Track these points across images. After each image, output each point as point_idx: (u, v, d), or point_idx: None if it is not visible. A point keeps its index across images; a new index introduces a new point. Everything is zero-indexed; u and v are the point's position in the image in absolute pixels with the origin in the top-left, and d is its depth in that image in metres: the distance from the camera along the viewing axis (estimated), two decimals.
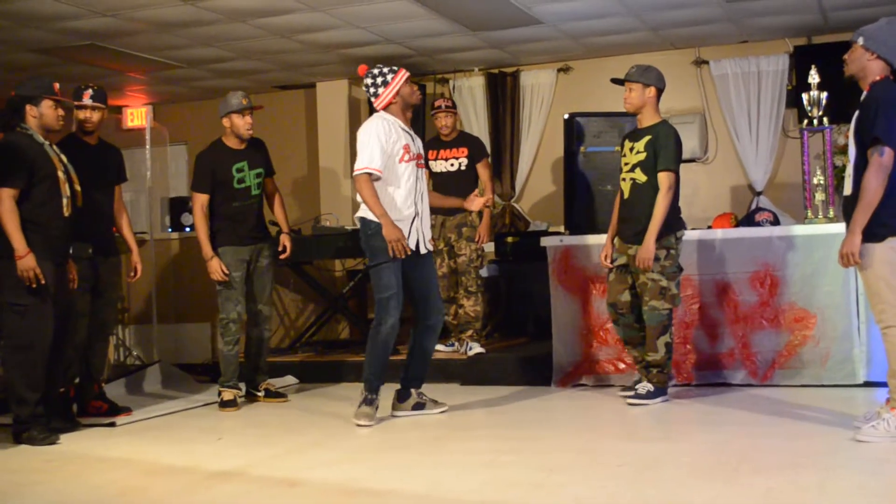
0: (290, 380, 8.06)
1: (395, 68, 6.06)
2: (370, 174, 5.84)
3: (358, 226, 6.05)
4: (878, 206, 4.77)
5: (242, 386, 7.13)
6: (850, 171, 5.00)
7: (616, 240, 6.37)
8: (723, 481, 4.23)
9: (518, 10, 8.02)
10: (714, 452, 4.90)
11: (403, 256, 5.86)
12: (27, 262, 5.66)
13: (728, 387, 6.63)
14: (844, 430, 4.98)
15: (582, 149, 7.47)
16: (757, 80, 9.24)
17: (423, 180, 6.15)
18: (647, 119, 6.22)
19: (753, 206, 8.93)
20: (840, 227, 5.32)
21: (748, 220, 7.25)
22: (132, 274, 6.79)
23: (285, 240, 7.16)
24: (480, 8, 7.91)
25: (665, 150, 6.07)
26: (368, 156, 5.86)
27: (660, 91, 6.23)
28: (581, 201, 7.42)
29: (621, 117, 7.51)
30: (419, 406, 6.24)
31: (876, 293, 4.88)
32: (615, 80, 6.34)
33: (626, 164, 6.25)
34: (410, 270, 6.05)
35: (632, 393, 6.31)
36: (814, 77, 6.89)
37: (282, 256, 7.18)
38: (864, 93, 4.97)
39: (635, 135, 6.28)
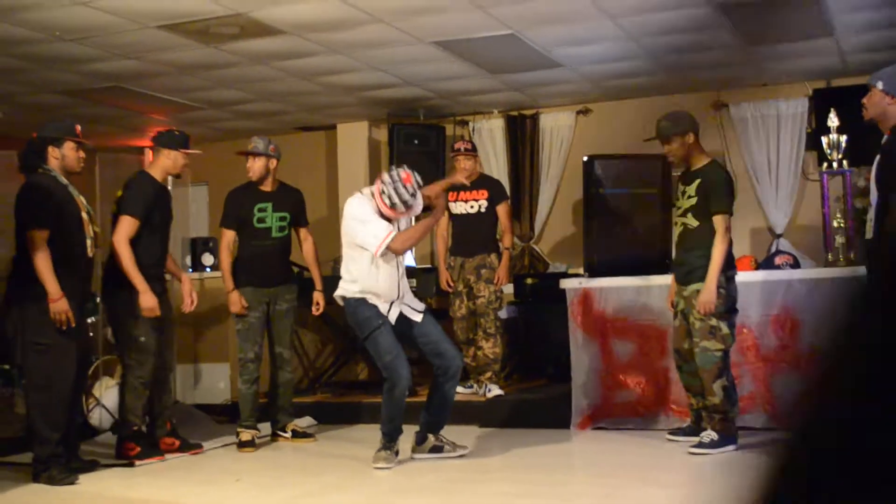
0: (308, 421, 8.05)
1: (404, 208, 5.84)
2: (388, 246, 5.84)
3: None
4: None
5: (262, 426, 7.15)
6: (871, 214, 4.99)
7: (673, 283, 6.31)
8: None
9: (538, 54, 8.06)
10: (735, 498, 4.86)
11: None
12: (60, 305, 5.71)
13: (749, 430, 6.57)
14: None
15: (601, 191, 7.47)
16: (776, 123, 9.25)
17: (403, 265, 6.13)
18: (696, 162, 6.13)
19: (773, 249, 8.90)
20: (861, 271, 5.30)
21: (768, 262, 7.23)
22: (189, 301, 6.88)
23: (318, 297, 7.28)
24: (500, 51, 7.96)
25: (716, 193, 5.96)
26: (378, 229, 5.84)
27: (697, 133, 6.14)
28: (600, 244, 7.41)
29: (640, 160, 7.53)
30: (436, 449, 6.22)
31: None
32: (651, 140, 6.28)
33: (679, 207, 6.17)
34: (410, 333, 6.08)
35: (677, 430, 6.24)
36: (833, 120, 6.90)
37: (315, 313, 7.33)
38: (885, 136, 4.97)
39: (686, 177, 6.20)
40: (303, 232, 7.31)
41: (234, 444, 6.98)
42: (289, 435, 7.19)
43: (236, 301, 6.96)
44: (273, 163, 7.13)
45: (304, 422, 7.89)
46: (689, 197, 6.07)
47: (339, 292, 6.05)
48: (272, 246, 7.07)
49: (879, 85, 5.02)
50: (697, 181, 6.05)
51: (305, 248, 7.35)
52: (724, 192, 5.98)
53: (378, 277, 5.92)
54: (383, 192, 5.83)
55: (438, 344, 6.08)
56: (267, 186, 7.11)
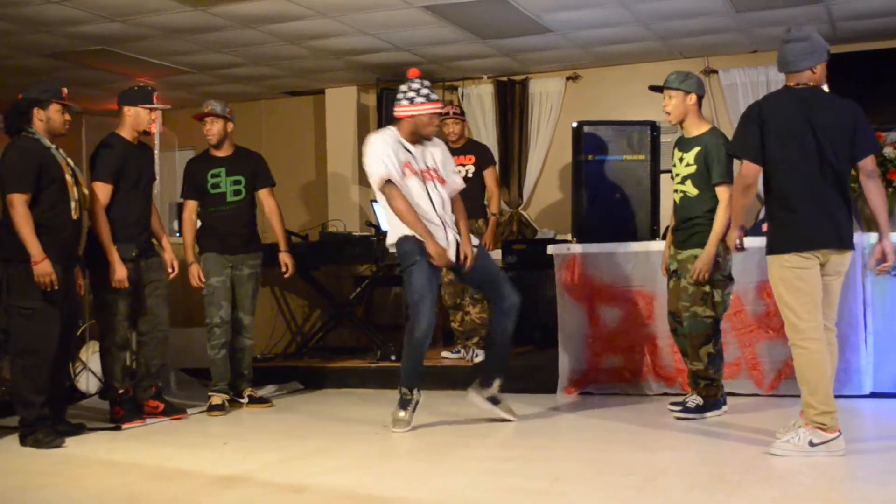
0: (295, 385, 8.07)
1: (434, 97, 5.92)
2: (391, 182, 5.80)
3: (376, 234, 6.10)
4: (770, 223, 4.86)
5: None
6: None
7: (667, 248, 6.24)
8: (728, 492, 4.22)
9: (528, 19, 8.03)
10: (720, 462, 4.90)
11: (445, 264, 5.93)
12: (44, 267, 5.69)
13: (734, 396, 6.60)
14: (849, 443, 4.94)
15: (590, 157, 7.46)
16: (766, 89, 9.20)
17: (441, 191, 6.03)
18: (694, 128, 5.98)
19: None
20: (857, 238, 5.31)
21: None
22: (170, 271, 6.85)
23: (285, 258, 7.23)
24: (490, 16, 7.92)
25: (718, 162, 5.83)
26: (382, 166, 5.81)
27: (700, 98, 5.98)
28: (589, 210, 7.40)
29: (629, 126, 7.50)
30: (494, 400, 6.15)
31: (780, 308, 4.90)
32: (654, 88, 6.09)
33: (677, 174, 6.04)
34: (462, 270, 6.04)
35: (679, 406, 6.18)
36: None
37: (286, 275, 7.27)
38: None
39: (684, 144, 6.04)
40: (263, 193, 7.19)
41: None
42: (245, 400, 7.20)
43: (194, 275, 7.00)
44: (230, 126, 7.11)
45: (291, 386, 7.91)
46: (688, 165, 5.94)
47: (389, 241, 5.99)
48: (228, 211, 7.04)
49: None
50: (697, 149, 5.91)
51: (267, 208, 7.25)
52: (726, 161, 5.84)
53: (419, 207, 5.88)
54: (396, 101, 5.85)
55: (493, 278, 6.06)
56: (222, 151, 7.08)
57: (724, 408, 6.09)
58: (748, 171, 4.85)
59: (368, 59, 9.29)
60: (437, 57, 9.34)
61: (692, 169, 5.94)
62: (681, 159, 6.03)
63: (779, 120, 4.81)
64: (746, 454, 4.96)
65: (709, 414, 5.98)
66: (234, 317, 7.13)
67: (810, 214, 4.81)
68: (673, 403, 6.23)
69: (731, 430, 5.66)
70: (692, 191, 5.95)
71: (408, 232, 5.85)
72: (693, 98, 5.94)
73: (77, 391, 7.40)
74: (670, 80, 5.98)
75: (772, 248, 4.89)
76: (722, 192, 5.82)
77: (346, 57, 9.22)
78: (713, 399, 6.01)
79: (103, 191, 6.39)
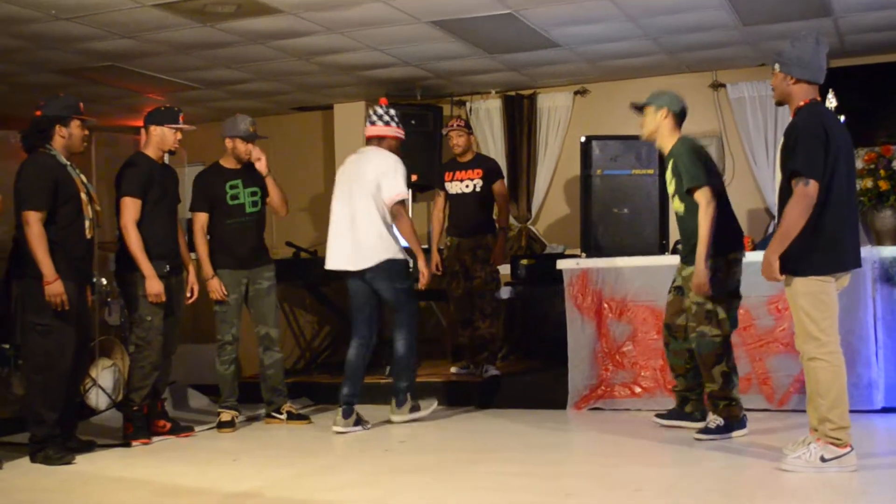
0: (305, 401, 8.06)
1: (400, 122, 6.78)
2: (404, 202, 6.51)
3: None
4: (803, 243, 4.72)
5: (255, 409, 7.15)
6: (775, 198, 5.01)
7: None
8: None
9: (535, 34, 8.04)
10: (730, 479, 4.88)
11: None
12: (55, 288, 5.70)
13: (745, 411, 6.58)
14: (861, 459, 4.92)
15: (598, 171, 7.46)
16: (773, 103, 9.21)
17: None
18: (666, 143, 5.96)
19: (770, 230, 8.91)
20: (867, 252, 5.30)
21: (765, 243, 7.22)
22: (189, 295, 6.85)
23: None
24: (498, 31, 7.93)
25: (685, 169, 5.73)
26: (407, 186, 6.51)
27: (675, 114, 5.92)
28: (597, 224, 7.41)
29: (638, 140, 7.50)
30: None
31: (798, 324, 4.85)
32: (635, 106, 6.08)
33: (669, 192, 6.03)
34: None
35: (664, 414, 6.17)
36: (830, 101, 6.86)
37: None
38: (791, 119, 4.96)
39: (664, 162, 6.05)
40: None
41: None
42: (283, 417, 7.15)
43: (216, 288, 6.90)
44: None
45: (300, 403, 7.89)
46: (671, 182, 5.93)
47: (388, 255, 6.61)
48: (246, 222, 7.01)
49: (777, 67, 4.98)
50: (671, 162, 5.89)
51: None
52: (691, 165, 5.72)
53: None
54: (386, 122, 6.66)
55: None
56: (235, 165, 7.06)
57: (746, 430, 5.94)
58: (815, 192, 4.68)
59: (377, 74, 9.31)
60: (445, 72, 9.35)
61: (673, 186, 5.92)
62: (668, 178, 6.02)
63: (835, 138, 4.76)
64: (757, 470, 4.94)
65: (735, 433, 5.84)
66: (260, 333, 7.10)
67: (845, 235, 4.81)
68: (658, 415, 6.23)
69: (741, 445, 5.65)
70: (679, 207, 5.91)
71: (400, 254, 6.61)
72: (664, 112, 5.91)
73: (87, 408, 7.40)
74: (647, 99, 6.01)
75: (811, 269, 4.76)
76: (698, 196, 5.71)
77: (354, 72, 9.25)
78: (736, 419, 5.87)
79: (133, 205, 6.38)
